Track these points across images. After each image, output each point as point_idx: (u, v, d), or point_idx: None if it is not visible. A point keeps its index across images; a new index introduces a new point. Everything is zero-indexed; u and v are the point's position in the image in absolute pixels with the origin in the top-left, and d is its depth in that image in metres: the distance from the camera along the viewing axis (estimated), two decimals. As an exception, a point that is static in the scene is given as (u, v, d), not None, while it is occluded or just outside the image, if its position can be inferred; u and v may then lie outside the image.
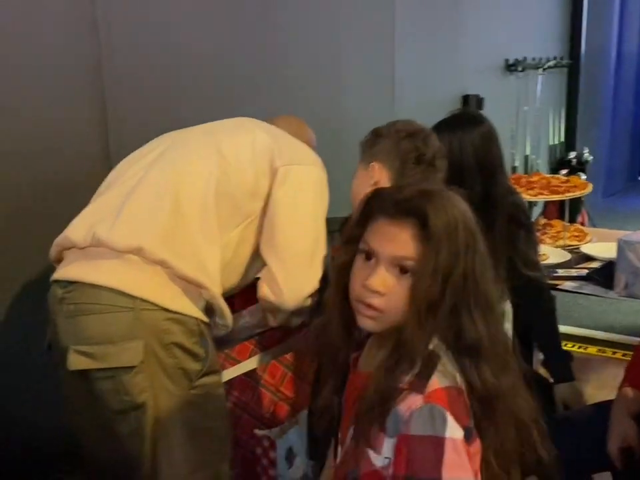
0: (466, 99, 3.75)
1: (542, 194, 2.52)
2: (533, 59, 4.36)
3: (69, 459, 1.73)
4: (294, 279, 1.56)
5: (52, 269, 1.51)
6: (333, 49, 2.84)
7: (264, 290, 1.60)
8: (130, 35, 2.05)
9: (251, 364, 2.38)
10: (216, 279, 1.48)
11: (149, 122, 2.06)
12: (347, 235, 1.09)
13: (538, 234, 2.52)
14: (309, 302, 1.65)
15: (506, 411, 1.04)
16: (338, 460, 1.13)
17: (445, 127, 1.89)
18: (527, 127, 4.39)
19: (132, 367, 1.37)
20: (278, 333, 2.54)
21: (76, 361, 1.37)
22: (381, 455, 1.01)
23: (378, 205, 1.05)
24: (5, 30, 1.71)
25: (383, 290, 1.01)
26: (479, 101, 3.78)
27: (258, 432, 2.16)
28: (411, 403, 0.99)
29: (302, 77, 2.68)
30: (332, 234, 2.57)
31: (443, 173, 1.65)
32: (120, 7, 2.01)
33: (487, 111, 3.68)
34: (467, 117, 2.03)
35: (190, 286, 1.44)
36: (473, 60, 3.80)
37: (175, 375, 1.42)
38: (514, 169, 4.22)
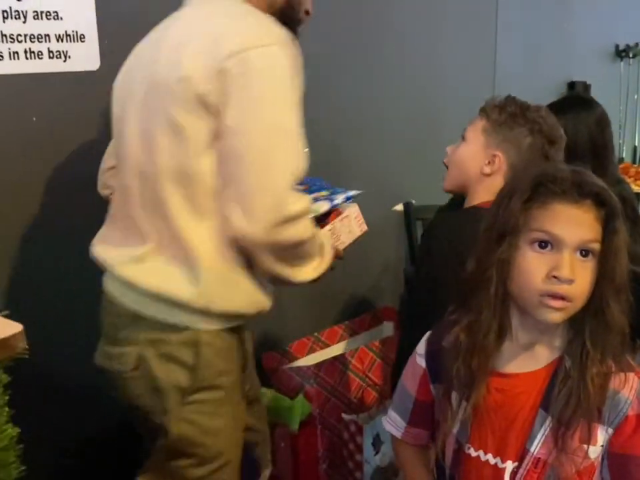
0: (572, 85, 3.59)
1: (652, 185, 2.38)
2: (646, 45, 4.12)
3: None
4: (259, 188, 1.20)
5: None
6: (433, 33, 2.79)
7: (233, 216, 1.21)
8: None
9: (339, 348, 2.40)
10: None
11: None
12: (504, 228, 1.02)
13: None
14: (298, 230, 1.25)
15: None
16: (507, 469, 1.08)
17: (556, 109, 1.81)
18: (637, 117, 4.16)
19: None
20: (368, 319, 2.55)
21: None
22: (597, 446, 1.04)
23: (550, 189, 1.01)
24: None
25: (574, 277, 0.98)
26: (586, 88, 3.61)
27: (345, 416, 2.17)
28: (631, 384, 1.03)
29: (401, 62, 2.65)
30: (424, 220, 2.54)
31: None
32: None
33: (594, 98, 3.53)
34: (580, 100, 1.95)
35: None
36: (580, 45, 3.64)
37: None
38: (621, 161, 4.01)
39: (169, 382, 1.31)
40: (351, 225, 1.58)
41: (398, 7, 2.62)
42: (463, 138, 1.56)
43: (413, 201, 2.56)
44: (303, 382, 2.13)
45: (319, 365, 2.18)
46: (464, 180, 1.55)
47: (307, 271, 1.35)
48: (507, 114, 1.50)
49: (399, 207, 2.56)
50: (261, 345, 2.21)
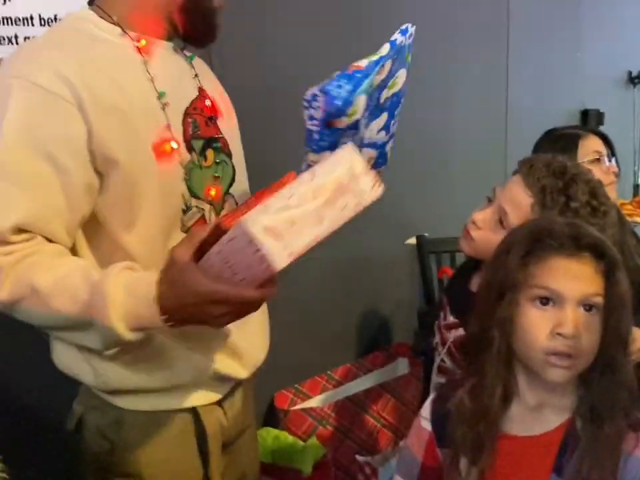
0: (585, 114, 3.56)
1: (668, 216, 2.33)
2: (659, 70, 4.10)
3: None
4: None
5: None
6: (444, 66, 2.78)
7: None
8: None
9: (353, 387, 2.35)
10: None
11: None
12: (503, 285, 0.98)
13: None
14: None
15: None
16: None
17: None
18: (652, 143, 4.12)
19: None
20: (381, 356, 2.50)
21: None
22: None
23: (547, 244, 0.98)
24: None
25: (578, 333, 0.94)
26: (599, 116, 3.59)
27: (359, 458, 2.12)
28: None
29: (411, 95, 2.62)
30: (437, 254, 2.51)
31: None
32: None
33: (608, 126, 3.48)
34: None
35: None
36: (592, 73, 3.61)
37: None
38: (636, 187, 3.96)
39: (93, 455, 1.16)
40: (245, 255, 0.83)
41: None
42: (490, 200, 1.33)
43: (426, 234, 2.53)
44: (315, 423, 2.08)
45: (332, 406, 2.14)
46: None
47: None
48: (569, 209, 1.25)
49: (412, 241, 2.53)
50: (273, 383, 2.17)
